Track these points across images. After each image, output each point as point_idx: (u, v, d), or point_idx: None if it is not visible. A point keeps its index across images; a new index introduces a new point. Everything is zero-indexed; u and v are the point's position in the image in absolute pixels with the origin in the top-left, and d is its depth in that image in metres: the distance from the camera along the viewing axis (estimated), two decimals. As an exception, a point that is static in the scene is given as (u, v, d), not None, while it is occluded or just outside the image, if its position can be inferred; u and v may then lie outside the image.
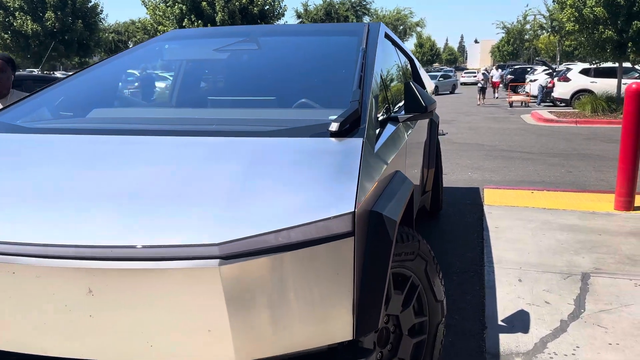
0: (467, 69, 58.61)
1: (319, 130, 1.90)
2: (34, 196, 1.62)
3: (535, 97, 22.04)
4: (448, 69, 51.26)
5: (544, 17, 44.96)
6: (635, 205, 5.27)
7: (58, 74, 21.63)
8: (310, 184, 1.58)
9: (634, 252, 4.07)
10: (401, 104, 3.04)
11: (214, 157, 1.74)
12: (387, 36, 3.26)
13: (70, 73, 3.53)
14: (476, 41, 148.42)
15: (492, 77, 27.15)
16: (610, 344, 2.74)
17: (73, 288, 1.43)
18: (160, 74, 3.65)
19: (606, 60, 16.47)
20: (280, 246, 1.43)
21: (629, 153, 5.15)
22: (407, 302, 2.04)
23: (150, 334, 1.45)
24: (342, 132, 1.87)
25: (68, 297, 1.44)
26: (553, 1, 18.65)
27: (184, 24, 23.18)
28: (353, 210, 1.51)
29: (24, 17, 24.85)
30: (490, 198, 5.81)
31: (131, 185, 1.62)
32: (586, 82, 18.59)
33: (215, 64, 3.27)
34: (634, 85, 5.11)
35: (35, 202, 1.60)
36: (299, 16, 46.54)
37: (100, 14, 27.52)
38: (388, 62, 3.14)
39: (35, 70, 22.69)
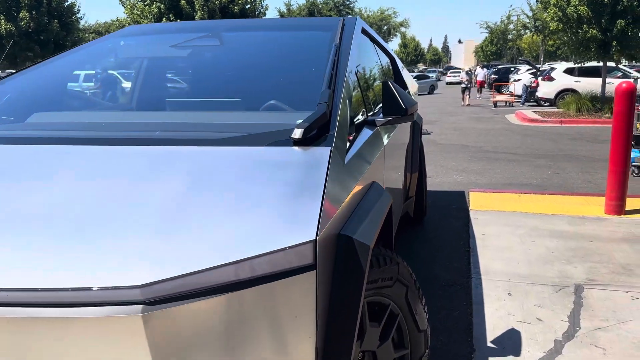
0: (453, 68, 57.13)
1: (280, 138, 1.62)
2: None
3: (519, 96, 21.98)
4: (432, 69, 50.96)
5: (528, 16, 45.16)
6: (626, 209, 5.07)
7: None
8: (262, 205, 1.30)
9: (627, 260, 3.85)
10: (380, 106, 2.77)
11: (148, 173, 1.45)
12: (364, 32, 2.99)
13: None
14: (460, 41, 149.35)
15: (476, 76, 27.07)
16: (609, 368, 2.50)
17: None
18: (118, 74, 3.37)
19: (590, 60, 16.41)
20: (219, 286, 1.14)
21: (620, 155, 4.94)
22: (386, 335, 1.77)
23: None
24: (307, 140, 1.58)
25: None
26: (537, 1, 18.59)
27: None
28: (314, 237, 1.23)
29: (-4, 17, 24.18)
30: (476, 202, 5.58)
31: (45, 211, 1.32)
32: (570, 81, 18.54)
33: (176, 62, 2.97)
34: (624, 85, 4.90)
35: None
36: (281, 16, 46.22)
37: (77, 13, 26.89)
38: (365, 60, 2.87)
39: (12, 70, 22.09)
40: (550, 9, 15.75)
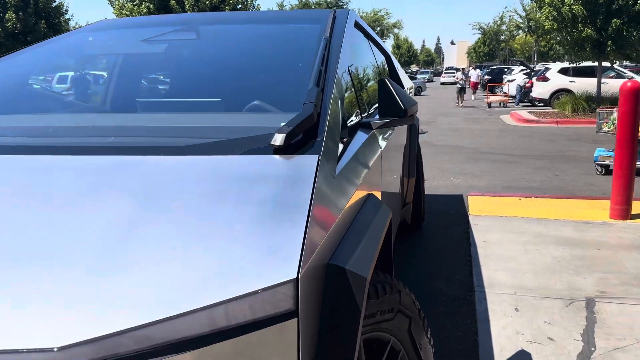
0: (448, 68, 55.63)
1: (258, 145, 1.34)
2: None
3: (513, 97, 21.80)
4: (425, 70, 50.46)
5: (521, 17, 45.09)
6: (633, 213, 4.83)
7: None
8: (229, 234, 1.02)
9: (639, 270, 3.60)
10: (375, 106, 2.51)
11: (91, 190, 1.16)
12: (357, 26, 2.72)
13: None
14: (452, 42, 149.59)
15: (470, 77, 26.85)
16: (633, 396, 2.25)
17: None
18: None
19: (586, 59, 16.22)
20: (166, 345, 0.87)
21: (625, 158, 4.70)
22: (385, 375, 1.50)
23: None
24: (290, 147, 1.31)
25: None
26: (531, 0, 18.41)
27: None
28: (295, 276, 0.96)
29: (-18, 19, 23.69)
30: (476, 207, 5.33)
31: None
32: (565, 81, 18.36)
33: (151, 58, 2.69)
34: (629, 84, 4.67)
35: None
36: (274, 17, 45.79)
37: (65, 14, 26.40)
38: (359, 56, 2.61)
39: None
40: (545, 8, 15.56)
